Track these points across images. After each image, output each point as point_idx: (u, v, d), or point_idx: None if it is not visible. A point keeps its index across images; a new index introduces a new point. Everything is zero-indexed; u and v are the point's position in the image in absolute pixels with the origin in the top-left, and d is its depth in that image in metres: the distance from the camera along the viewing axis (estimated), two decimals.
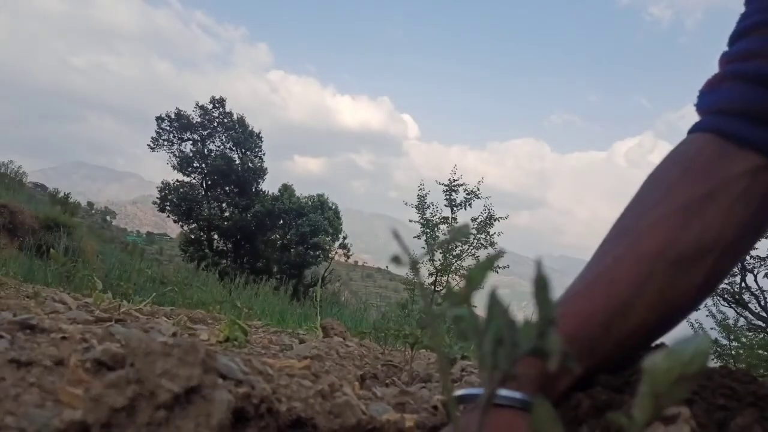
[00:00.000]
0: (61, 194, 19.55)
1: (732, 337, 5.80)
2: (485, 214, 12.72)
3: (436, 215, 12.70)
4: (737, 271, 6.25)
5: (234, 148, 21.44)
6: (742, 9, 0.60)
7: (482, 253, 12.44)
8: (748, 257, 6.06)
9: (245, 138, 21.29)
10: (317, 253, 20.58)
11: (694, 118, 0.57)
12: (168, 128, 20.90)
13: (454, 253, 11.94)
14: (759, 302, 6.39)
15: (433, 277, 11.45)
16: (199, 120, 21.07)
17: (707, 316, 6.12)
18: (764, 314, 6.33)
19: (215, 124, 21.21)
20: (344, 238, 21.86)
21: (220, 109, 21.35)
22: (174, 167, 20.95)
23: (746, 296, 6.44)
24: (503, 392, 0.42)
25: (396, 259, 0.27)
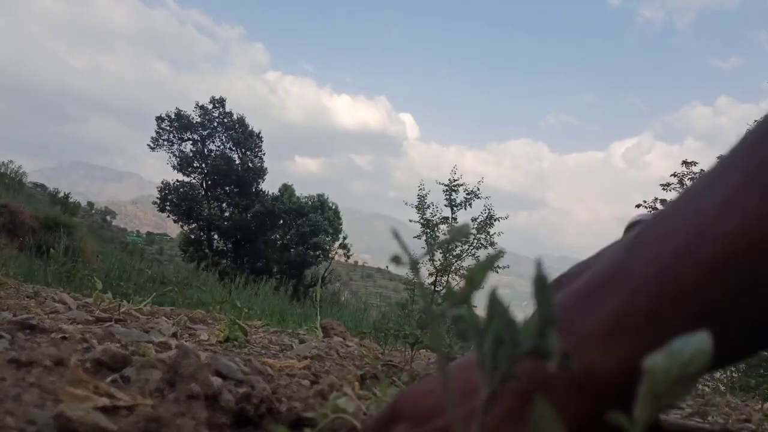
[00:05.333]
0: (61, 194, 19.56)
1: None
2: (485, 214, 12.73)
3: (436, 215, 12.71)
4: None
5: (234, 148, 21.45)
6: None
7: (482, 253, 12.45)
8: None
9: (245, 138, 21.31)
10: (317, 253, 20.58)
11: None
12: (168, 128, 20.92)
13: (454, 253, 11.94)
14: None
15: (433, 277, 11.45)
16: (199, 120, 21.09)
17: None
18: None
19: (215, 124, 21.23)
20: (344, 238, 21.86)
21: (220, 109, 21.37)
22: (174, 167, 20.97)
23: None
24: None
25: (396, 259, 0.27)
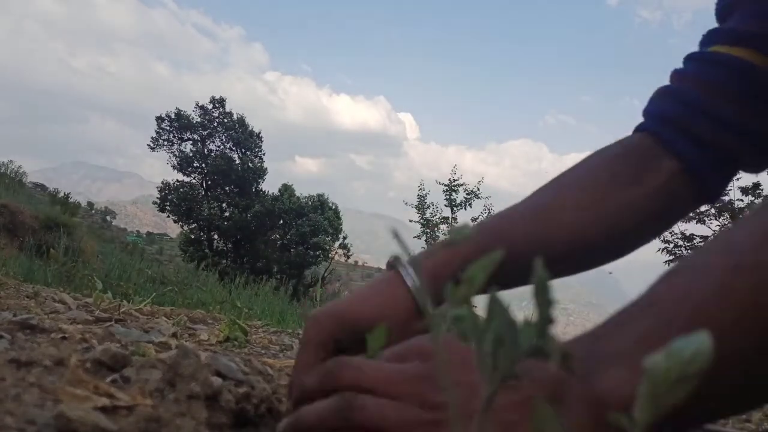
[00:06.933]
0: (61, 194, 19.56)
1: None
2: (485, 215, 12.74)
3: (436, 215, 12.71)
4: None
5: (234, 148, 21.44)
6: None
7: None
8: None
9: (245, 138, 21.30)
10: (317, 253, 20.57)
11: None
12: (168, 128, 20.90)
13: None
14: None
15: None
16: (199, 120, 21.07)
17: None
18: None
19: (215, 124, 21.21)
20: (344, 238, 21.85)
21: (220, 109, 21.35)
22: (174, 167, 20.95)
23: None
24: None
25: (396, 259, 0.27)
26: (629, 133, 0.67)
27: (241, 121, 21.41)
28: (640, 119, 0.66)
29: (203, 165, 21.09)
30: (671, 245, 11.23)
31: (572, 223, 0.60)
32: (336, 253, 21.83)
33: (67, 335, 0.83)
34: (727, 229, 0.39)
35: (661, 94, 0.65)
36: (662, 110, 0.63)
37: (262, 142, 21.90)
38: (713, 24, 0.66)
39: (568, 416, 0.33)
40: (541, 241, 0.59)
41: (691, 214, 11.83)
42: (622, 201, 0.60)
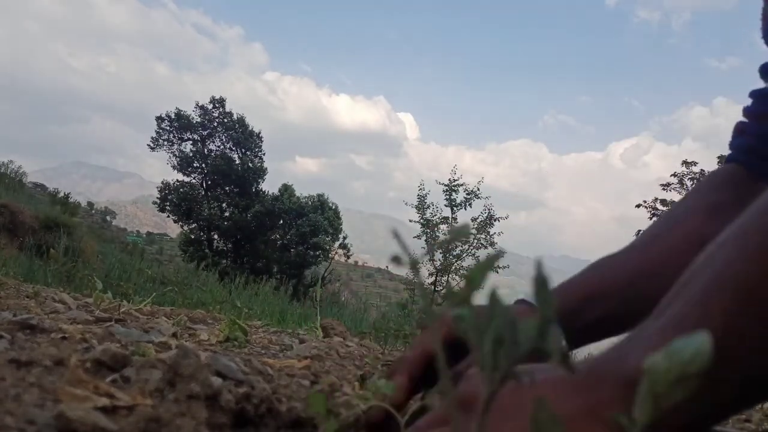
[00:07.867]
0: (61, 194, 19.56)
1: None
2: (485, 214, 12.73)
3: (436, 215, 12.71)
4: None
5: (234, 148, 21.44)
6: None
7: (482, 253, 12.45)
8: None
9: (245, 138, 21.29)
10: (317, 253, 20.58)
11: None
12: (168, 128, 20.90)
13: (454, 253, 11.94)
14: None
15: (433, 277, 11.45)
16: (199, 120, 21.07)
17: None
18: None
19: (215, 124, 21.21)
20: (344, 238, 21.86)
21: (220, 109, 21.35)
22: (174, 167, 20.95)
23: None
24: None
25: (396, 259, 0.27)
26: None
27: (241, 121, 21.40)
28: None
29: (203, 165, 21.09)
30: None
31: (682, 251, 0.66)
32: (336, 253, 21.83)
33: (67, 335, 0.83)
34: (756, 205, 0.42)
35: (738, 131, 0.77)
36: (740, 143, 0.75)
37: (262, 142, 21.89)
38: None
39: (602, 392, 0.38)
40: (653, 270, 0.67)
41: None
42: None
